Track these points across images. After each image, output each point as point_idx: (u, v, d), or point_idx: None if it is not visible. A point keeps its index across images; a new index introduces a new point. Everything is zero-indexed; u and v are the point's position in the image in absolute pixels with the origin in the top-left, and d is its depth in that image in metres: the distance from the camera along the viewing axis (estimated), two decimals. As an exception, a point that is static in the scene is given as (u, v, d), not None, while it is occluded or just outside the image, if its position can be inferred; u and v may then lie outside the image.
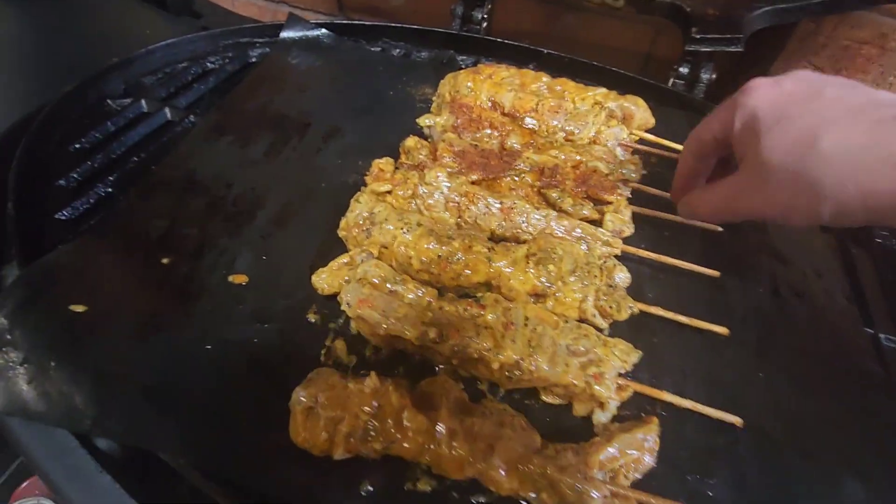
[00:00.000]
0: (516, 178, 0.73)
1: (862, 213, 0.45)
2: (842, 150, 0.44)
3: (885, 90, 1.18)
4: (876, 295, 0.76)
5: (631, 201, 0.77)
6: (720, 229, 0.77)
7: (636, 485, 0.51)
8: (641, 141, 0.89)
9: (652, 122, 0.91)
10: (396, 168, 0.73)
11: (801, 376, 0.63)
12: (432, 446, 0.46)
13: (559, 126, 0.85)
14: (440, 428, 0.46)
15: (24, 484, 0.95)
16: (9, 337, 0.52)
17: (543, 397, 0.57)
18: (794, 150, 0.46)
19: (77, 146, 0.78)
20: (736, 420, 0.56)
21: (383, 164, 0.70)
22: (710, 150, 0.60)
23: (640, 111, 0.89)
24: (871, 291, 0.77)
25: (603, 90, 0.90)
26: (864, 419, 0.59)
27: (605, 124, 0.85)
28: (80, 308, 0.55)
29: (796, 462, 0.56)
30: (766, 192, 0.50)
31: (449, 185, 0.69)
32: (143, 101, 0.86)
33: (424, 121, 0.82)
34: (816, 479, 0.55)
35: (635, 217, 0.75)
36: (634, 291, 0.67)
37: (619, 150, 0.84)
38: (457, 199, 0.68)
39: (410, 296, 0.57)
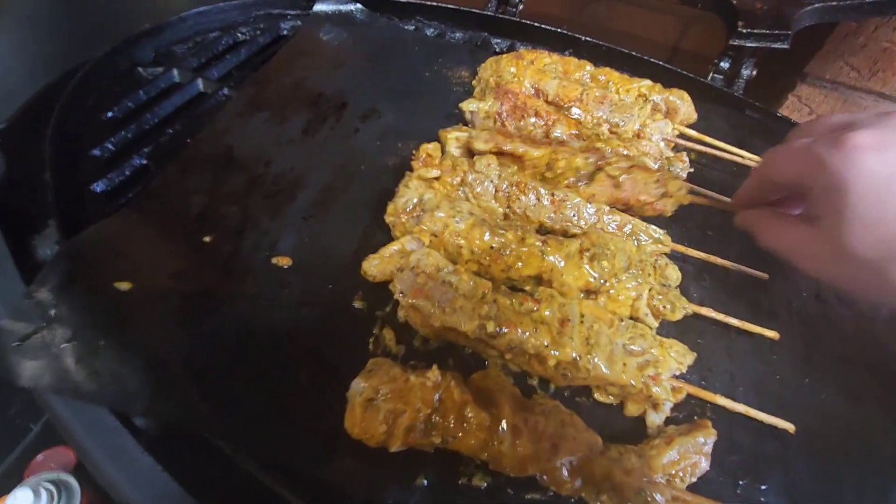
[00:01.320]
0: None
1: None
2: None
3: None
4: (917, 303, 0.76)
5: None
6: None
7: (690, 488, 0.51)
8: (682, 136, 0.87)
9: (695, 116, 0.89)
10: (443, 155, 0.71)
11: (848, 384, 0.62)
12: (494, 443, 0.46)
13: (604, 117, 0.82)
14: (503, 425, 0.45)
15: (39, 457, 0.93)
16: (54, 313, 0.50)
17: (597, 396, 0.56)
18: (883, 248, 0.42)
19: (109, 115, 0.75)
20: (789, 426, 0.55)
21: (431, 149, 0.68)
22: (780, 190, 0.56)
23: (685, 105, 0.87)
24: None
25: (648, 82, 0.88)
26: (912, 429, 0.59)
27: (650, 118, 0.83)
28: (125, 285, 0.53)
29: (846, 470, 0.55)
30: (840, 268, 0.47)
31: (499, 173, 0.67)
32: (174, 71, 0.83)
33: (468, 106, 0.80)
34: (866, 487, 0.54)
35: (679, 214, 0.73)
36: (680, 290, 0.66)
37: (662, 145, 0.82)
38: (506, 188, 0.66)
39: (465, 287, 0.55)
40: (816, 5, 0.95)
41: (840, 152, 0.43)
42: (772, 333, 0.63)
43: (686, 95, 0.88)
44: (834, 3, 0.94)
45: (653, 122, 0.83)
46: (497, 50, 1.08)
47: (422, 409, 0.46)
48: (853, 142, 0.42)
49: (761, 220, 0.57)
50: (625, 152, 0.75)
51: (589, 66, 0.91)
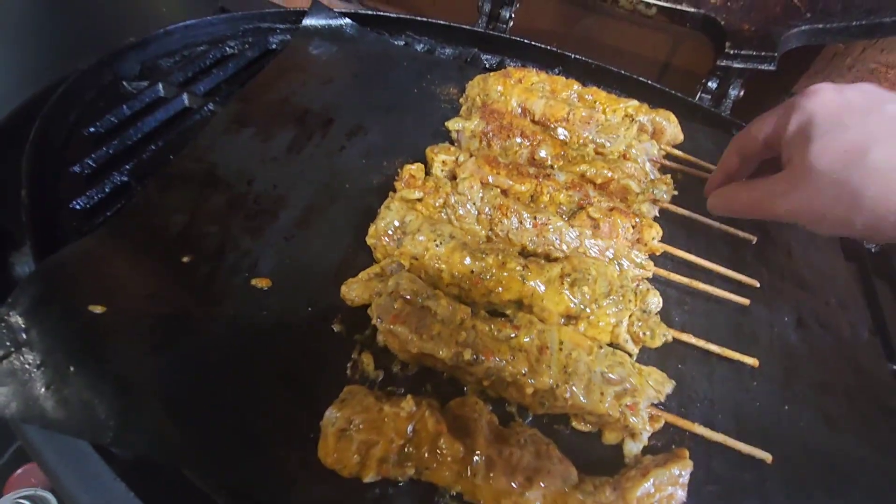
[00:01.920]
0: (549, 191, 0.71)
1: (894, 230, 0.47)
2: (889, 166, 0.46)
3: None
4: (898, 328, 0.76)
5: (656, 219, 0.76)
6: (753, 238, 0.78)
7: (666, 520, 0.50)
8: (669, 157, 0.88)
9: (681, 137, 0.90)
10: (427, 174, 0.71)
11: (827, 412, 0.63)
12: (468, 475, 0.45)
13: (590, 137, 0.83)
14: (477, 458, 0.45)
15: (19, 471, 0.92)
16: (24, 337, 0.49)
17: (574, 424, 0.55)
18: (843, 158, 0.47)
19: (91, 130, 0.74)
20: (766, 456, 0.55)
21: (414, 170, 0.68)
22: (759, 150, 0.60)
23: (671, 127, 0.87)
24: (894, 325, 0.77)
25: (634, 102, 0.89)
26: (891, 461, 0.59)
27: (636, 139, 0.83)
28: (98, 309, 0.53)
29: (823, 501, 0.55)
30: (805, 194, 0.51)
31: (482, 195, 0.67)
32: (159, 85, 0.82)
33: (454, 125, 0.80)
34: (843, 519, 0.54)
35: (662, 236, 0.73)
36: (661, 315, 0.66)
37: (648, 166, 0.83)
38: (489, 211, 0.66)
39: (444, 313, 0.55)
40: (803, 27, 0.96)
41: (806, 95, 0.52)
42: (751, 360, 0.63)
43: (672, 116, 0.88)
44: (820, 26, 0.95)
45: (639, 143, 0.83)
46: (486, 66, 1.09)
47: (395, 440, 0.46)
48: (818, 87, 0.52)
49: (735, 188, 0.61)
50: (608, 174, 0.76)
51: (576, 86, 0.91)
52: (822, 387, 0.65)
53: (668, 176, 0.81)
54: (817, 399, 0.64)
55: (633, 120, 0.86)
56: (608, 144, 0.83)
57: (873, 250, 0.89)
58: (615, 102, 0.88)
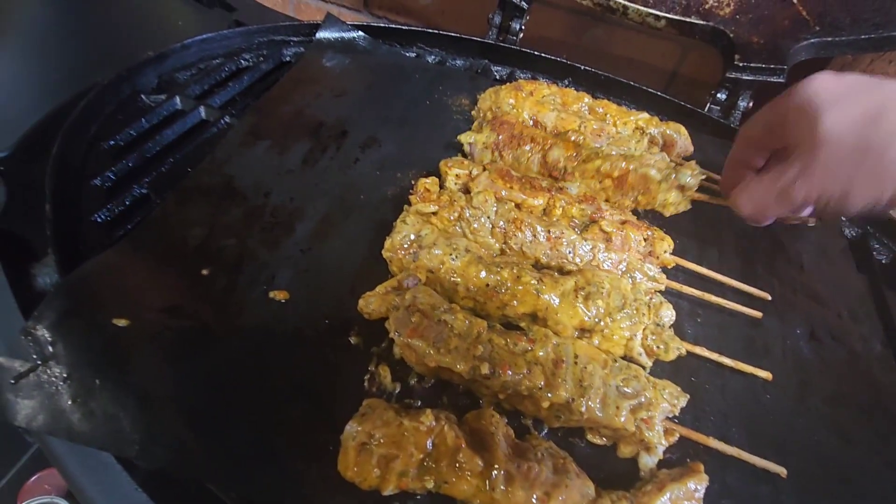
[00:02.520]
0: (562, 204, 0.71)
1: None
2: None
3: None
4: (910, 341, 0.76)
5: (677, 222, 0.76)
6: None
7: (682, 534, 0.51)
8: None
9: (691, 149, 0.90)
10: (441, 188, 0.72)
11: (841, 426, 0.63)
12: (487, 489, 0.46)
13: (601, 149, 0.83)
14: (496, 473, 0.45)
15: (33, 479, 0.93)
16: (51, 350, 0.50)
17: (589, 437, 0.56)
18: (859, 122, 0.46)
19: (111, 143, 0.76)
20: (781, 471, 0.55)
21: (429, 183, 0.69)
22: (761, 138, 0.59)
23: (682, 139, 0.88)
24: (906, 337, 0.77)
25: (645, 115, 0.89)
26: (905, 474, 0.59)
27: (647, 151, 0.84)
28: (123, 322, 0.54)
29: (838, 515, 0.56)
30: (825, 170, 0.49)
31: (496, 209, 0.68)
32: (177, 98, 0.84)
33: (466, 138, 0.81)
34: (858, 534, 0.55)
35: (674, 249, 0.74)
36: (675, 328, 0.66)
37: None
38: (503, 225, 0.67)
39: (460, 327, 0.55)
40: (812, 40, 0.97)
41: (804, 81, 0.51)
42: (765, 374, 0.63)
43: (683, 129, 0.89)
44: (829, 39, 0.96)
45: (650, 156, 0.84)
46: (497, 77, 1.10)
47: (414, 454, 0.46)
48: (814, 75, 0.51)
49: (749, 187, 0.59)
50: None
51: (587, 98, 0.92)
52: (836, 400, 0.65)
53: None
54: (831, 412, 0.64)
55: (643, 132, 0.87)
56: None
57: (884, 262, 0.89)
58: (626, 115, 0.89)
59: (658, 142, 0.88)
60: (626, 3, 1.07)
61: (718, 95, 1.05)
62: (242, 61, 0.96)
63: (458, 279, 0.61)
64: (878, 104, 0.47)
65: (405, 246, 0.63)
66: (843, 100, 0.48)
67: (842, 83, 0.49)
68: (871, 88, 0.48)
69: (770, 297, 0.73)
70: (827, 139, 0.48)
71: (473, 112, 0.90)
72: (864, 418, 0.64)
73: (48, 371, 0.48)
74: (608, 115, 0.89)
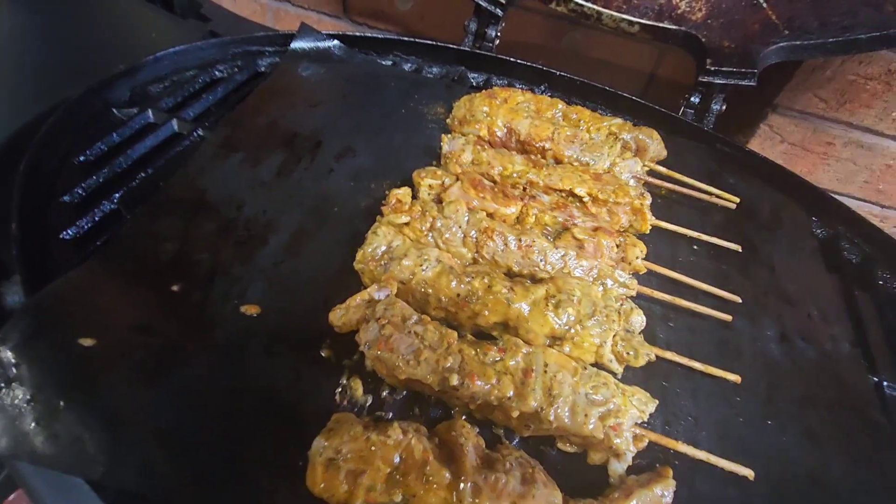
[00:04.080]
0: (534, 213, 0.72)
1: None
2: None
3: (886, 125, 1.20)
4: (879, 340, 0.78)
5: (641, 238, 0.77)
6: (738, 248, 0.80)
7: (651, 539, 0.51)
8: (652, 173, 0.89)
9: (664, 154, 0.91)
10: (414, 198, 0.72)
11: (809, 426, 0.64)
12: (455, 501, 0.46)
13: (574, 156, 0.84)
14: (463, 485, 0.46)
15: (12, 497, 0.92)
16: (14, 372, 0.50)
17: (559, 445, 0.56)
18: None
19: (82, 158, 0.75)
20: (748, 473, 0.56)
21: (401, 194, 0.69)
22: None
23: (654, 144, 0.89)
24: (874, 337, 0.78)
25: (618, 120, 0.90)
26: (872, 474, 0.60)
27: (619, 156, 0.85)
28: (88, 342, 0.53)
29: (805, 516, 0.56)
30: None
31: (468, 218, 0.68)
32: (149, 111, 0.83)
33: (443, 146, 0.81)
34: (825, 534, 0.55)
35: (647, 254, 0.74)
36: (646, 333, 0.67)
37: (632, 182, 0.84)
38: (475, 234, 0.67)
39: (430, 338, 0.56)
40: (781, 44, 0.98)
41: None
42: (734, 377, 0.64)
43: (655, 134, 0.90)
44: (798, 43, 0.97)
45: (622, 161, 0.85)
46: (473, 84, 1.10)
47: (382, 468, 0.46)
48: None
49: None
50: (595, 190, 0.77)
51: (561, 105, 0.93)
52: (805, 401, 0.66)
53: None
54: (800, 413, 0.65)
55: (616, 138, 0.88)
56: (593, 163, 0.84)
57: (854, 261, 0.90)
58: (599, 121, 0.89)
59: (631, 147, 0.89)
60: (601, 9, 1.08)
61: (692, 99, 1.06)
62: (216, 73, 0.95)
63: (430, 290, 0.61)
64: None
65: (376, 257, 0.63)
66: None
67: None
68: None
69: (741, 300, 0.74)
70: None
71: (448, 120, 0.90)
72: (833, 418, 0.65)
73: (11, 393, 0.48)
74: (581, 121, 0.90)
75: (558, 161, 0.85)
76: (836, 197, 0.97)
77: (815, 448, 0.62)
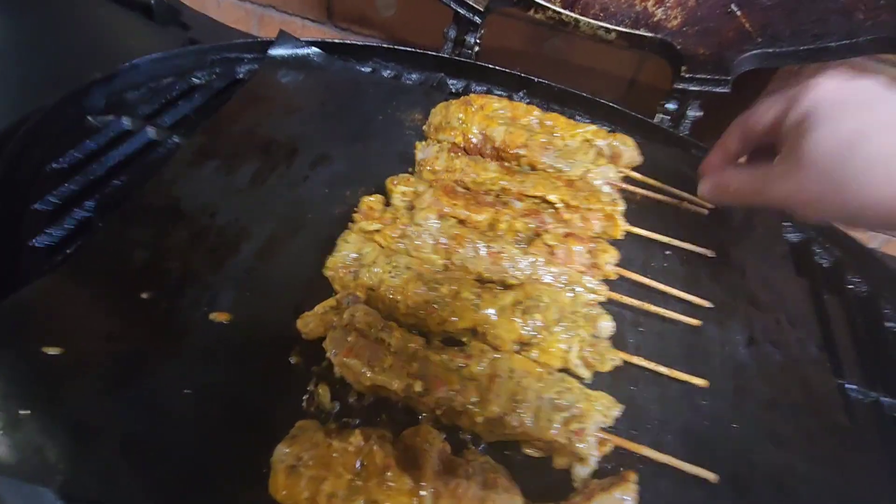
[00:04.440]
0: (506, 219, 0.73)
1: (884, 217, 0.49)
2: (881, 158, 0.48)
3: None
4: (846, 343, 0.79)
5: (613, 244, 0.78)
6: (710, 252, 0.81)
7: (613, 542, 0.52)
8: (628, 179, 0.90)
9: (639, 160, 0.92)
10: (386, 205, 0.73)
11: (774, 429, 0.65)
12: (415, 508, 0.46)
13: (549, 163, 0.85)
14: (424, 492, 0.46)
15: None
16: (-22, 381, 0.50)
17: (525, 450, 0.57)
18: (838, 149, 0.49)
19: (55, 166, 0.75)
20: (711, 476, 0.57)
21: (373, 201, 0.70)
22: (757, 137, 0.62)
23: (629, 150, 0.90)
24: (842, 340, 0.79)
25: (593, 127, 0.91)
26: (835, 475, 0.61)
27: (593, 163, 0.86)
28: (54, 350, 0.54)
29: (768, 518, 0.57)
30: (801, 182, 0.53)
31: (438, 225, 0.69)
32: (124, 119, 0.83)
33: (417, 154, 0.82)
34: (787, 536, 0.56)
35: (620, 259, 0.75)
36: (616, 337, 0.68)
37: (606, 189, 0.85)
38: (445, 241, 0.68)
39: (397, 344, 0.56)
40: (755, 52, 1.00)
41: (808, 89, 0.53)
42: (701, 381, 0.65)
43: (630, 140, 0.91)
44: (771, 51, 0.99)
45: (596, 168, 0.86)
46: (452, 90, 1.11)
47: (343, 475, 0.47)
48: (818, 80, 0.53)
49: (729, 175, 0.63)
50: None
51: (536, 111, 0.93)
52: (770, 404, 0.67)
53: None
54: (765, 416, 0.66)
55: (591, 145, 0.89)
56: (567, 169, 0.85)
57: (825, 265, 0.92)
58: (573, 128, 0.90)
59: (605, 153, 0.90)
60: (578, 16, 1.09)
61: (668, 105, 1.08)
62: (194, 80, 0.96)
63: (399, 296, 0.62)
64: (860, 131, 0.49)
65: (346, 264, 0.64)
66: (831, 122, 0.50)
67: (838, 98, 0.51)
68: (862, 109, 0.50)
69: (711, 305, 0.75)
70: (807, 157, 0.51)
71: (424, 127, 0.91)
72: (797, 421, 0.66)
73: (-25, 403, 0.48)
74: (556, 128, 0.91)
75: (533, 168, 0.86)
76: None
77: (779, 450, 0.63)
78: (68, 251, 0.66)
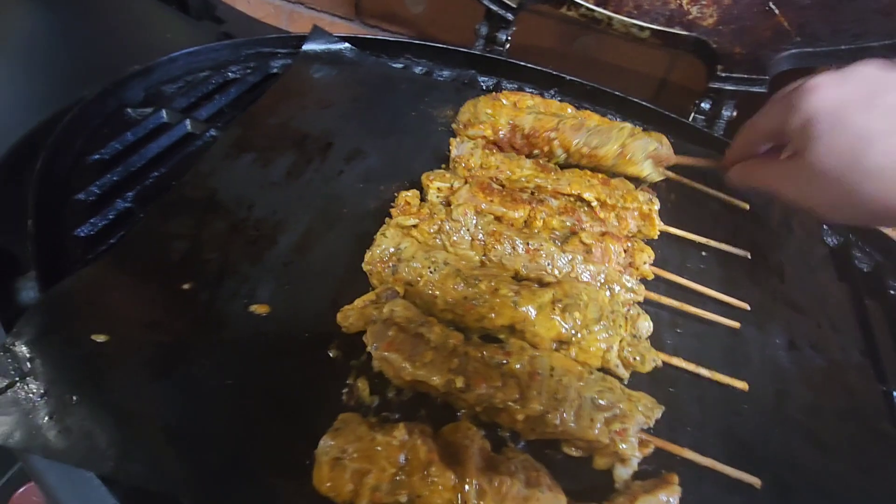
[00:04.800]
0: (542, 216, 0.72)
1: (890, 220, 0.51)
2: (887, 163, 0.48)
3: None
4: (889, 350, 0.77)
5: (649, 243, 0.77)
6: (747, 253, 0.80)
7: (656, 545, 0.51)
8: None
9: (674, 159, 0.91)
10: (423, 200, 0.72)
11: (817, 435, 0.63)
12: (459, 503, 0.46)
13: (581, 142, 0.83)
14: (468, 487, 0.46)
15: (21, 490, 0.94)
16: (29, 366, 0.50)
17: (565, 449, 0.56)
18: (844, 158, 0.50)
19: (96, 157, 0.76)
20: (755, 481, 0.56)
21: (410, 196, 0.70)
22: (764, 140, 0.63)
23: (664, 149, 0.88)
24: (884, 345, 0.77)
25: (627, 125, 0.90)
26: (880, 483, 0.60)
27: (630, 137, 0.84)
28: (101, 338, 0.54)
29: (813, 526, 0.56)
30: (812, 188, 0.54)
31: (476, 221, 0.68)
32: (163, 112, 0.84)
33: (451, 150, 0.81)
34: (832, 544, 0.55)
35: (656, 259, 0.74)
36: (653, 338, 0.67)
37: (648, 163, 0.84)
38: (483, 237, 0.67)
39: (437, 339, 0.56)
40: (793, 51, 0.98)
41: (805, 94, 0.52)
42: (741, 384, 0.64)
43: (665, 139, 0.89)
44: (809, 50, 0.97)
45: (633, 142, 0.84)
46: (484, 88, 1.11)
47: (387, 468, 0.47)
48: (814, 84, 0.52)
49: (751, 164, 0.64)
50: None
51: (570, 109, 0.93)
52: (813, 409, 0.66)
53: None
54: (808, 422, 0.65)
55: (623, 124, 0.87)
56: (601, 146, 0.83)
57: (865, 270, 0.89)
58: (608, 125, 0.89)
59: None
60: (611, 14, 1.08)
61: (702, 105, 1.06)
62: (230, 74, 0.96)
63: (437, 292, 0.62)
64: (865, 136, 0.48)
65: (384, 259, 0.64)
66: (834, 128, 0.50)
67: (839, 102, 0.50)
68: (866, 110, 0.49)
69: (749, 308, 0.74)
70: (814, 166, 0.52)
71: (454, 125, 0.90)
72: (841, 427, 0.65)
73: (26, 387, 0.49)
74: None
75: (566, 151, 0.85)
76: (848, 205, 0.96)
77: (823, 457, 0.62)
78: (110, 241, 0.67)
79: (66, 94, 0.83)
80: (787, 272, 0.83)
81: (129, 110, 0.84)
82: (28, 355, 0.51)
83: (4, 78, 0.86)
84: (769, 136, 0.61)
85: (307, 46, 1.02)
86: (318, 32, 1.03)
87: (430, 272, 0.62)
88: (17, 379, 0.49)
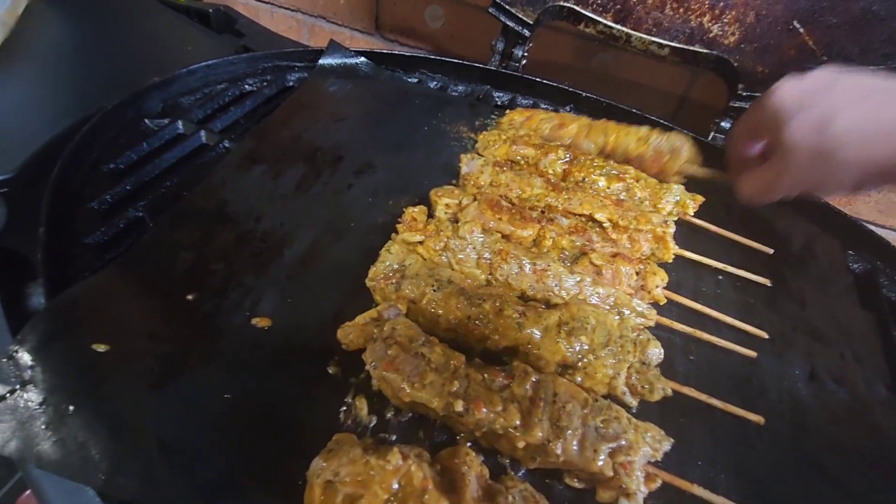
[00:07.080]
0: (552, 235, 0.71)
1: (875, 177, 0.53)
2: (851, 128, 0.52)
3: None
4: (918, 385, 0.73)
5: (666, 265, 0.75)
6: (767, 282, 0.78)
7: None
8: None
9: (698, 158, 0.87)
10: (429, 217, 0.72)
11: (836, 475, 0.60)
12: (452, 534, 0.44)
13: (600, 143, 0.82)
14: (462, 517, 0.44)
15: (27, 493, 0.94)
16: (29, 374, 0.51)
17: (567, 480, 0.54)
18: (813, 131, 0.54)
19: (112, 166, 0.78)
20: (769, 523, 0.53)
21: (416, 212, 0.69)
22: (746, 136, 0.67)
23: (687, 146, 0.85)
24: (913, 381, 0.73)
25: (646, 127, 0.87)
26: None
27: (651, 132, 0.82)
28: (102, 347, 0.54)
29: (829, 573, 0.53)
30: (794, 170, 0.57)
31: (482, 239, 0.67)
32: (179, 123, 0.86)
33: (462, 167, 0.81)
34: None
35: (669, 283, 0.72)
36: (665, 365, 0.64)
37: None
38: (489, 256, 0.66)
39: (438, 360, 0.55)
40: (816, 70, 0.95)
41: (772, 92, 0.58)
42: (756, 418, 0.61)
43: (687, 138, 0.86)
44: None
45: (656, 138, 0.82)
46: (498, 103, 1.10)
47: (380, 494, 0.45)
48: (778, 84, 0.58)
49: (744, 180, 0.67)
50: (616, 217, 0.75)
51: (586, 119, 0.91)
52: (834, 447, 0.62)
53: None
54: (827, 460, 0.61)
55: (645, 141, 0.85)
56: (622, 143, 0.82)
57: (893, 298, 0.85)
58: (626, 129, 0.87)
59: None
60: (630, 31, 1.06)
61: (722, 124, 1.04)
62: (246, 86, 0.98)
63: (440, 311, 0.61)
64: (830, 109, 0.53)
65: (388, 275, 0.63)
66: (801, 110, 0.55)
67: (800, 92, 0.56)
68: (827, 92, 0.54)
69: (767, 336, 0.71)
70: (792, 146, 0.56)
71: (477, 145, 0.89)
72: (864, 468, 0.61)
73: (24, 395, 0.49)
74: (609, 130, 0.88)
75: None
76: (876, 230, 0.92)
77: (844, 499, 0.58)
78: (120, 249, 0.68)
79: (89, 104, 0.85)
80: (808, 300, 0.79)
81: (146, 121, 0.86)
82: (30, 363, 0.51)
83: (31, 87, 0.89)
84: (749, 132, 0.66)
85: (323, 60, 1.03)
86: (334, 47, 1.04)
87: (434, 290, 0.61)
88: (18, 386, 0.49)
